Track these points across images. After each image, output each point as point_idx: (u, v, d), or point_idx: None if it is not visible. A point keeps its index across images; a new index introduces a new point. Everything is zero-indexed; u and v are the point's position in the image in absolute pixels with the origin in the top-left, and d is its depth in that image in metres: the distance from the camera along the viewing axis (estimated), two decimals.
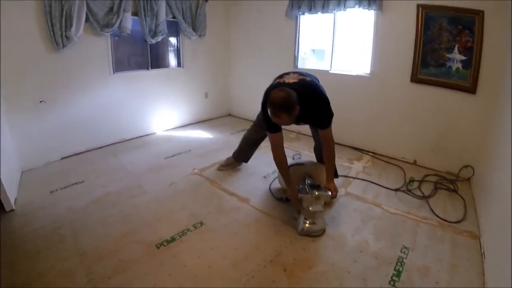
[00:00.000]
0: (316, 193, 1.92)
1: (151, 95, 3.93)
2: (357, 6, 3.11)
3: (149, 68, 3.85)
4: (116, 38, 3.49)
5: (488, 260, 1.66)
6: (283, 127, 1.97)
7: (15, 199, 2.31)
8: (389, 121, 3.24)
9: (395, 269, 1.66)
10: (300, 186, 2.06)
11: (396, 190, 2.55)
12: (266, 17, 4.10)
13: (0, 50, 2.51)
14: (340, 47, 3.58)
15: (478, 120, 2.64)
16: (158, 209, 2.25)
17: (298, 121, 1.98)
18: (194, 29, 4.07)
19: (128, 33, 3.34)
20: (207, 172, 2.86)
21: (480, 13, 2.43)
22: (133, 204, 2.30)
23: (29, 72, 2.79)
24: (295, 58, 3.94)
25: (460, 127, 2.77)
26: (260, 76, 4.12)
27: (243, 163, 2.96)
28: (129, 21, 3.31)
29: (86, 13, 2.96)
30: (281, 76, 2.09)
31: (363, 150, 3.48)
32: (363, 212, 2.23)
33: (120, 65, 3.60)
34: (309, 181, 2.12)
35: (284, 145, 2.06)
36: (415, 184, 2.65)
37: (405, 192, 2.51)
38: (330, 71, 3.61)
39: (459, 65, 2.64)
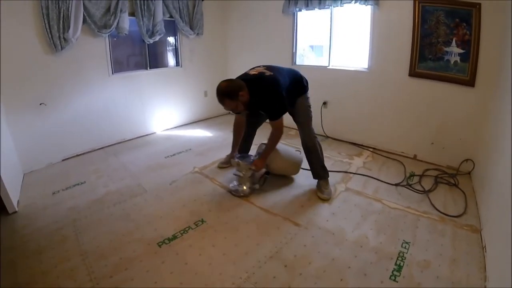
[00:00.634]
0: (236, 160, 2.35)
1: (151, 95, 3.94)
2: (354, 1, 3.10)
3: (148, 68, 3.85)
4: (114, 39, 3.50)
5: (489, 253, 1.66)
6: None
7: (18, 201, 2.33)
8: (388, 116, 3.24)
9: (395, 264, 1.66)
10: (240, 154, 2.49)
11: (396, 185, 2.55)
12: (263, 14, 4.08)
13: (0, 53, 2.53)
14: (338, 42, 3.57)
15: (477, 113, 2.62)
16: (159, 207, 2.26)
17: (252, 109, 2.25)
18: (191, 28, 4.07)
19: (126, 34, 3.34)
20: (208, 170, 2.87)
21: (477, 6, 2.41)
22: (134, 203, 2.31)
23: (28, 75, 2.80)
24: (293, 55, 3.94)
25: (460, 121, 2.76)
26: None
27: None
28: (126, 22, 3.31)
29: (84, 14, 2.97)
30: (252, 69, 2.30)
31: (362, 145, 3.48)
32: (363, 207, 2.23)
33: (118, 66, 3.61)
34: (255, 155, 2.48)
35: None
36: (416, 179, 2.65)
37: (405, 187, 2.51)
38: (328, 67, 3.61)
39: (457, 58, 2.63)
